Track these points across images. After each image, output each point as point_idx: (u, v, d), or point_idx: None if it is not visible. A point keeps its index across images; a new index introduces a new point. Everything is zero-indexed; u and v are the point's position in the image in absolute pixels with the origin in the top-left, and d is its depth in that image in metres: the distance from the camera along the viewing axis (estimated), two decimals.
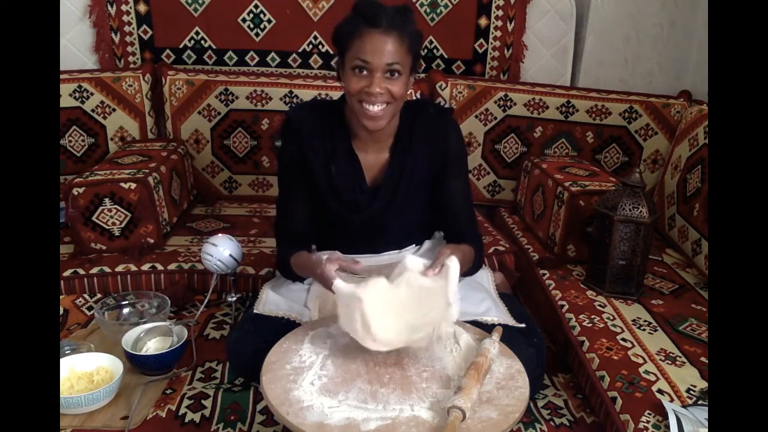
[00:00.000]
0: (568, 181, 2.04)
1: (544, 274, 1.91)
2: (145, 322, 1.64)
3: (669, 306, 1.71)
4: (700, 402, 1.30)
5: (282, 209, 1.55)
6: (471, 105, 2.44)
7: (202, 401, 1.47)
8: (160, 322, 1.65)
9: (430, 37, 2.51)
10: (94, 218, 1.92)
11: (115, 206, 1.92)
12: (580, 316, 1.65)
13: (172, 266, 1.93)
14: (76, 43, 2.45)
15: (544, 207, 2.13)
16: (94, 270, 1.90)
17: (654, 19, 2.51)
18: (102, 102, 2.36)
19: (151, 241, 1.99)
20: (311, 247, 1.62)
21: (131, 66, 2.49)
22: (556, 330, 1.71)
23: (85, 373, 1.46)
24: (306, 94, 2.37)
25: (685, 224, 2.04)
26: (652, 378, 1.38)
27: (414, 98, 2.32)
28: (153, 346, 1.60)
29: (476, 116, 2.45)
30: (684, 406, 1.27)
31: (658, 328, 1.60)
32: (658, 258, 2.02)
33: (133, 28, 2.46)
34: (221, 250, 1.68)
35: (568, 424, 1.45)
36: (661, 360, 1.45)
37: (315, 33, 2.50)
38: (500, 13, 2.50)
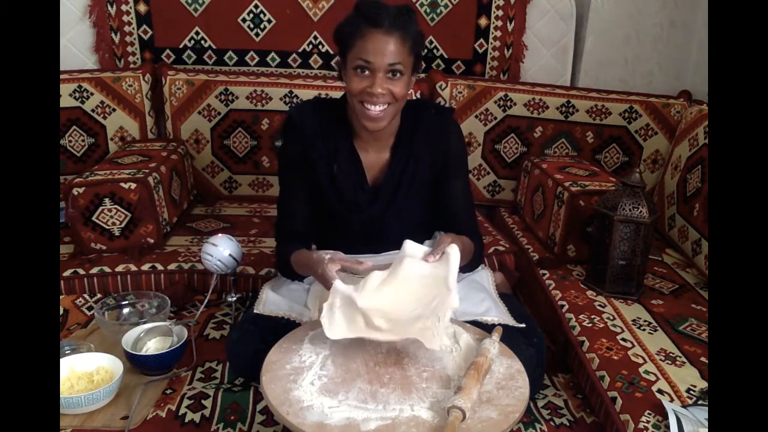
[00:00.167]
0: (568, 181, 2.04)
1: (544, 274, 1.91)
2: (145, 322, 1.64)
3: (669, 306, 1.71)
4: (700, 402, 1.30)
5: (283, 209, 1.55)
6: (471, 105, 2.44)
7: (202, 401, 1.47)
8: (160, 322, 1.65)
9: (430, 37, 2.51)
10: (94, 218, 1.92)
11: (115, 206, 1.92)
12: (580, 316, 1.65)
13: (172, 266, 1.93)
14: (76, 43, 2.45)
15: (544, 207, 2.13)
16: (94, 270, 1.90)
17: (654, 19, 2.52)
18: (102, 102, 2.36)
19: (151, 241, 1.99)
20: (311, 247, 1.62)
21: (131, 66, 2.49)
22: (556, 330, 1.71)
23: (85, 373, 1.46)
24: (306, 94, 2.37)
25: (685, 224, 2.04)
26: (652, 378, 1.38)
27: (414, 98, 2.32)
28: (153, 346, 1.60)
29: (476, 116, 2.45)
30: (684, 406, 1.27)
31: (658, 328, 1.60)
32: (658, 258, 2.02)
33: (133, 28, 2.46)
34: (221, 250, 1.68)
35: (568, 424, 1.45)
36: (661, 360, 1.45)
37: (315, 33, 2.50)
38: (500, 13, 2.50)
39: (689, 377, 1.38)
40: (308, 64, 2.54)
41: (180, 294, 1.88)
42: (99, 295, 1.91)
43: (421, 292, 1.20)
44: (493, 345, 1.21)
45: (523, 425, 1.41)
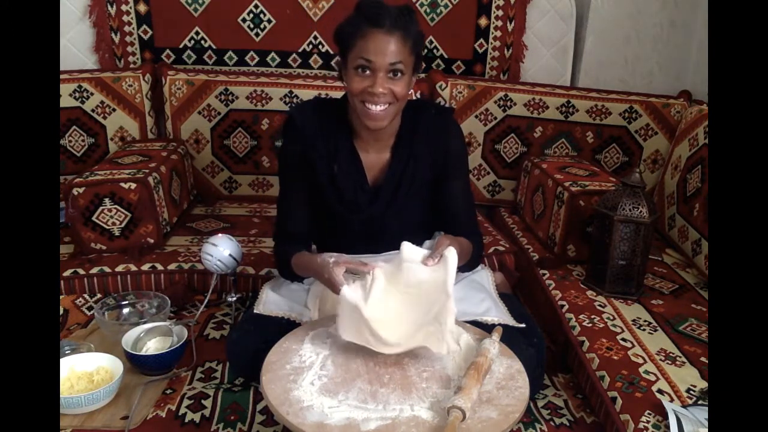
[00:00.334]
0: (568, 181, 2.04)
1: (544, 274, 1.91)
2: (145, 322, 1.64)
3: (669, 306, 1.71)
4: (700, 402, 1.30)
5: (282, 209, 1.55)
6: (471, 105, 2.44)
7: (202, 401, 1.47)
8: (160, 322, 1.65)
9: (430, 37, 2.51)
10: (94, 218, 1.92)
11: (115, 206, 1.92)
12: (580, 316, 1.65)
13: (172, 266, 1.93)
14: (76, 43, 2.45)
15: (544, 207, 2.13)
16: (94, 270, 1.90)
17: (654, 19, 2.51)
18: (102, 102, 2.36)
19: (151, 241, 1.99)
20: (311, 247, 1.62)
21: (131, 66, 2.49)
22: (556, 330, 1.71)
23: (85, 373, 1.46)
24: (306, 94, 2.37)
25: (685, 224, 2.04)
26: (652, 378, 1.38)
27: (415, 98, 2.32)
28: (153, 346, 1.60)
29: (476, 116, 2.45)
30: (684, 406, 1.27)
31: (658, 328, 1.60)
32: (658, 258, 2.02)
33: (133, 28, 2.46)
34: (221, 250, 1.68)
35: (568, 424, 1.45)
36: (661, 360, 1.45)
37: (315, 33, 2.50)
38: (500, 13, 2.50)
39: (689, 377, 1.38)
40: (308, 64, 2.54)
41: (180, 294, 1.88)
42: (99, 295, 1.91)
43: (421, 298, 1.21)
44: (493, 345, 1.21)
45: (523, 425, 1.41)
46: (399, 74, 1.32)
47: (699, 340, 1.54)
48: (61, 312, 1.83)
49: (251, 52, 2.52)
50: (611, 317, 1.65)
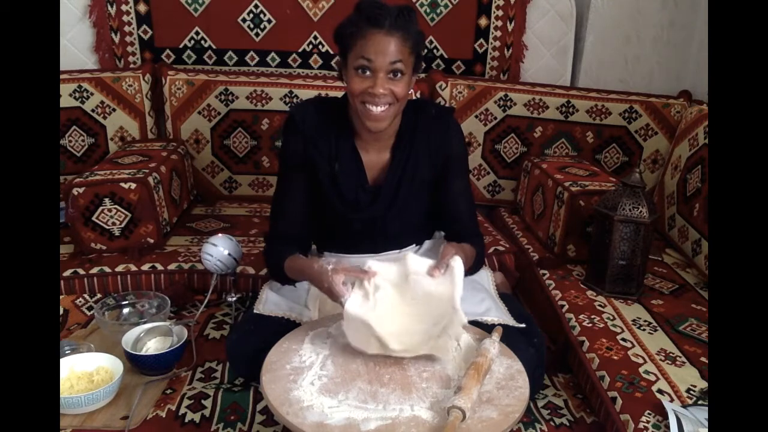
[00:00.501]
0: (568, 181, 2.04)
1: (544, 274, 1.91)
2: (145, 322, 1.64)
3: (669, 306, 1.71)
4: (700, 402, 1.30)
5: (277, 207, 1.52)
6: (471, 105, 2.44)
7: (202, 401, 1.47)
8: (160, 322, 1.65)
9: (430, 37, 2.51)
10: (94, 218, 1.92)
11: (115, 206, 1.92)
12: (580, 316, 1.65)
13: (172, 266, 1.93)
14: (76, 43, 2.45)
15: (544, 207, 2.13)
16: (94, 270, 1.90)
17: (654, 19, 2.51)
18: (102, 102, 2.36)
19: (151, 241, 1.99)
20: (310, 248, 1.62)
21: (131, 66, 2.49)
22: (556, 330, 1.71)
23: (85, 373, 1.46)
24: (306, 94, 2.37)
25: (685, 224, 2.04)
26: (652, 378, 1.38)
27: (415, 98, 2.31)
28: (153, 346, 1.59)
29: (476, 116, 2.45)
30: (684, 406, 1.27)
31: (658, 328, 1.60)
32: (658, 258, 2.02)
33: (133, 28, 2.46)
34: (221, 250, 1.68)
35: (568, 424, 1.45)
36: (661, 360, 1.45)
37: (315, 33, 2.50)
38: (500, 13, 2.50)
39: (689, 377, 1.38)
40: (308, 64, 2.54)
41: (180, 294, 1.88)
42: (99, 295, 1.91)
43: (429, 311, 1.20)
44: (493, 345, 1.21)
45: (523, 425, 1.41)
46: (399, 74, 1.32)
47: (699, 340, 1.54)
48: (61, 312, 1.83)
49: (251, 52, 2.52)
50: (611, 317, 1.65)
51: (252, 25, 2.48)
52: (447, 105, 2.40)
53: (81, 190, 1.90)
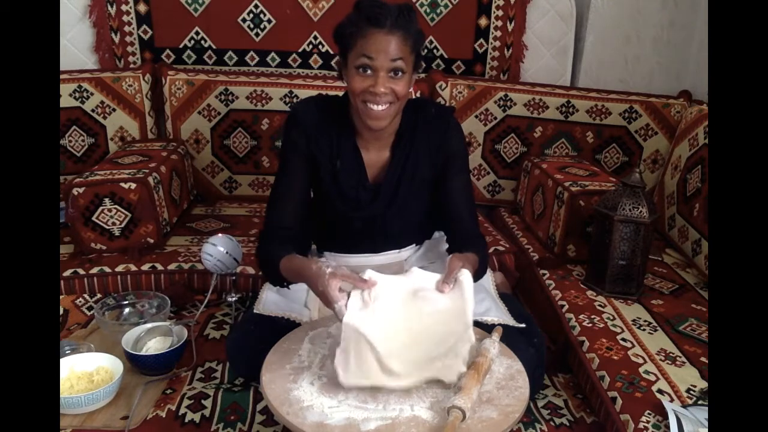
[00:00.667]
0: (568, 181, 2.04)
1: (544, 274, 1.91)
2: (145, 322, 1.64)
3: (669, 306, 1.71)
4: (700, 402, 1.30)
5: (274, 203, 1.48)
6: (471, 105, 2.44)
7: (202, 401, 1.47)
8: (160, 322, 1.65)
9: (430, 37, 2.51)
10: (94, 218, 1.92)
11: (115, 206, 1.92)
12: (580, 316, 1.65)
13: (172, 266, 1.93)
14: (76, 43, 2.45)
15: (544, 207, 2.13)
16: (94, 270, 1.90)
17: (654, 19, 2.51)
18: (102, 102, 2.36)
19: (151, 241, 1.99)
20: (307, 246, 1.62)
21: (131, 66, 2.49)
22: (556, 330, 1.71)
23: (85, 373, 1.46)
24: (306, 94, 2.36)
25: (685, 224, 2.04)
26: (652, 378, 1.38)
27: (415, 97, 2.31)
28: (153, 346, 1.59)
29: (476, 116, 2.45)
30: (684, 406, 1.27)
31: (658, 328, 1.60)
32: (658, 258, 2.02)
33: (133, 28, 2.46)
34: (221, 250, 1.69)
35: (568, 424, 1.45)
36: (661, 360, 1.45)
37: (315, 33, 2.50)
38: (500, 13, 2.50)
39: (689, 377, 1.38)
40: (308, 64, 2.54)
41: (180, 294, 1.88)
42: (99, 295, 1.91)
43: (436, 329, 1.13)
44: (493, 345, 1.21)
45: (523, 425, 1.41)
46: (400, 73, 1.32)
47: (699, 340, 1.54)
48: (61, 312, 1.83)
49: (251, 52, 2.52)
50: (611, 317, 1.65)
51: (252, 25, 2.48)
52: (447, 105, 2.40)
53: (81, 190, 1.90)
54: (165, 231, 2.07)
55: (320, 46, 2.51)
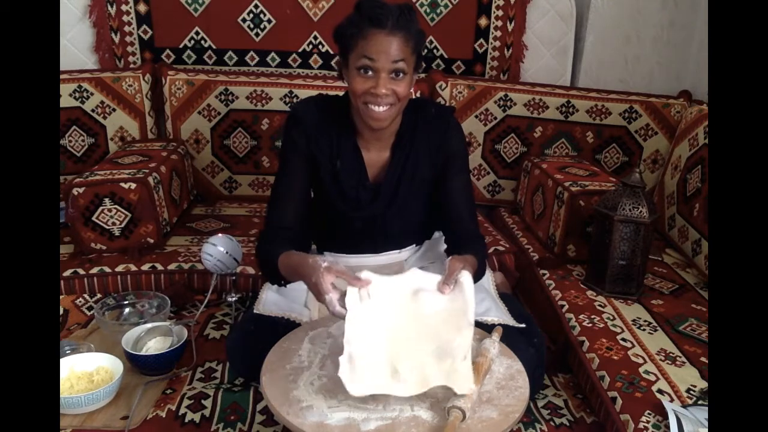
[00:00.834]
0: (568, 181, 2.04)
1: (544, 274, 1.91)
2: (145, 322, 1.64)
3: (669, 306, 1.71)
4: (700, 402, 1.30)
5: (275, 199, 1.48)
6: (471, 105, 2.44)
7: (202, 401, 1.47)
8: (160, 322, 1.65)
9: (430, 37, 2.51)
10: (94, 218, 1.92)
11: (115, 206, 1.92)
12: (580, 316, 1.65)
13: (172, 266, 1.93)
14: (76, 43, 2.45)
15: (544, 207, 2.13)
16: (94, 270, 1.90)
17: (654, 19, 2.51)
18: (102, 102, 2.36)
19: (151, 241, 1.99)
20: (307, 246, 1.62)
21: (131, 66, 2.49)
22: (556, 330, 1.71)
23: (85, 373, 1.46)
24: (306, 94, 2.36)
25: (685, 224, 2.04)
26: (652, 378, 1.38)
27: (415, 97, 2.31)
28: (153, 346, 1.59)
29: (476, 116, 2.45)
30: (684, 406, 1.27)
31: (658, 328, 1.60)
32: (658, 258, 2.02)
33: (133, 28, 2.46)
34: (221, 250, 1.69)
35: (568, 424, 1.45)
36: (661, 360, 1.45)
37: (315, 33, 2.50)
38: (500, 13, 2.50)
39: (689, 377, 1.38)
40: (308, 64, 2.54)
41: (180, 294, 1.88)
42: (99, 295, 1.91)
43: (439, 329, 1.12)
44: (493, 345, 1.21)
45: (523, 425, 1.41)
46: (401, 74, 1.32)
47: (699, 340, 1.54)
48: (61, 312, 1.83)
49: (251, 52, 2.52)
50: (611, 317, 1.65)
51: (252, 25, 2.48)
52: (447, 105, 2.40)
53: (81, 190, 1.90)
54: (165, 231, 2.07)
55: (320, 46, 2.52)
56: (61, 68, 2.25)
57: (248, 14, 2.47)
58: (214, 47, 2.51)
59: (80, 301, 1.89)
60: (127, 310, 1.79)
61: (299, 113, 1.46)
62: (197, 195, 2.46)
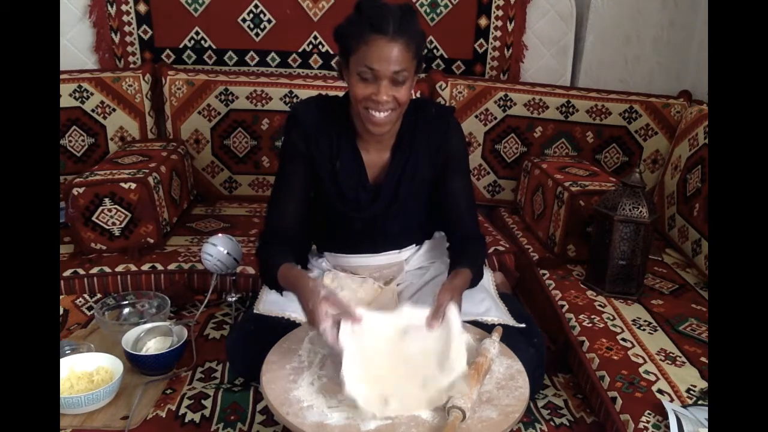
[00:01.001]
0: (568, 181, 2.04)
1: (544, 274, 1.91)
2: (145, 322, 1.64)
3: (669, 306, 1.71)
4: (700, 402, 1.30)
5: (275, 200, 1.49)
6: (471, 105, 2.44)
7: (202, 401, 1.47)
8: (160, 322, 1.65)
9: (430, 37, 2.51)
10: (94, 218, 1.92)
11: (115, 206, 1.92)
12: (580, 316, 1.65)
13: (172, 266, 1.93)
14: (76, 43, 2.45)
15: (544, 207, 2.13)
16: (94, 270, 1.90)
17: (654, 19, 2.51)
18: (102, 102, 2.36)
19: (151, 241, 1.99)
20: (307, 247, 1.62)
21: (131, 66, 2.49)
22: (556, 330, 1.71)
23: (85, 373, 1.46)
24: (306, 94, 2.36)
25: (685, 224, 2.04)
26: (652, 378, 1.38)
27: (415, 97, 2.31)
28: (153, 346, 1.59)
29: (476, 116, 2.45)
30: (684, 406, 1.27)
31: (658, 328, 1.60)
32: (658, 258, 2.02)
33: (133, 28, 2.46)
34: (221, 250, 1.69)
35: (568, 424, 1.45)
36: (661, 360, 1.45)
37: (315, 33, 2.50)
38: (500, 13, 2.50)
39: (689, 377, 1.38)
40: (308, 64, 2.54)
41: (180, 294, 1.88)
42: (99, 295, 1.91)
43: (425, 371, 1.12)
44: (493, 345, 1.21)
45: (523, 425, 1.41)
46: (402, 81, 1.31)
47: (699, 340, 1.54)
48: (61, 312, 1.83)
49: (251, 52, 2.52)
50: (611, 317, 1.65)
51: (252, 25, 2.48)
52: (447, 105, 2.39)
53: (81, 190, 1.90)
54: (165, 231, 2.07)
55: (320, 46, 2.52)
56: (61, 68, 2.25)
57: (248, 14, 2.47)
58: (214, 47, 2.51)
59: (80, 301, 1.89)
60: (127, 310, 1.79)
61: (299, 114, 1.46)
62: (197, 195, 2.46)
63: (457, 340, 1.13)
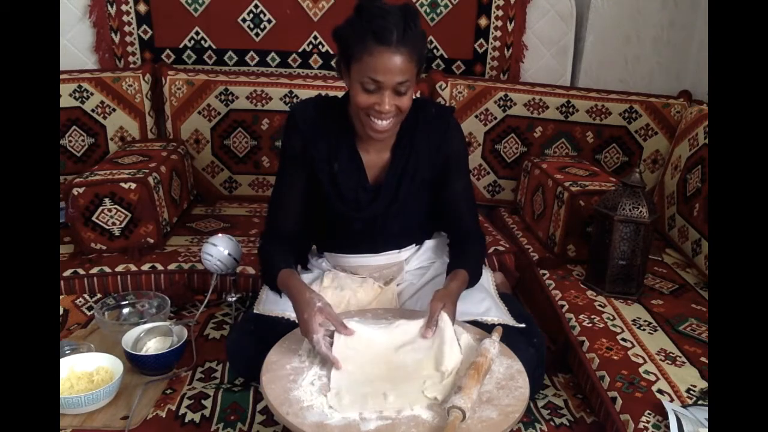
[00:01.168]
0: (568, 181, 2.04)
1: (544, 274, 1.91)
2: (145, 322, 1.64)
3: (669, 306, 1.71)
4: (700, 402, 1.30)
5: (276, 201, 1.50)
6: (471, 105, 2.44)
7: (202, 401, 1.47)
8: (160, 322, 1.65)
9: (430, 37, 2.51)
10: (94, 218, 1.92)
11: (115, 206, 1.92)
12: (580, 316, 1.65)
13: (172, 266, 1.93)
14: (76, 43, 2.45)
15: (544, 207, 2.13)
16: (94, 270, 1.90)
17: (654, 19, 2.51)
18: (102, 102, 2.36)
19: (151, 241, 1.99)
20: (307, 247, 1.61)
21: (131, 66, 2.49)
22: (556, 330, 1.71)
23: (85, 373, 1.46)
24: (306, 94, 2.36)
25: (685, 224, 2.04)
26: (652, 378, 1.38)
27: (415, 97, 2.31)
28: (153, 346, 1.59)
29: (476, 116, 2.45)
30: (684, 406, 1.27)
31: (658, 328, 1.60)
32: (658, 258, 2.02)
33: (133, 28, 2.46)
34: (221, 250, 1.68)
35: (568, 424, 1.45)
36: (661, 360, 1.45)
37: (315, 33, 2.50)
38: (500, 13, 2.50)
39: (689, 377, 1.38)
40: (308, 64, 2.54)
41: (180, 294, 1.88)
42: (99, 295, 1.91)
43: (419, 370, 1.16)
44: (493, 345, 1.21)
45: (523, 425, 1.41)
46: (405, 90, 1.31)
47: (699, 340, 1.54)
48: (61, 312, 1.83)
49: (251, 52, 2.52)
50: (611, 317, 1.65)
51: (252, 25, 2.48)
52: (447, 105, 2.39)
53: (81, 190, 1.90)
54: (165, 231, 2.07)
55: (320, 46, 2.51)
56: (61, 68, 2.25)
57: (248, 14, 2.47)
58: (214, 47, 2.51)
59: (80, 301, 1.89)
60: (126, 310, 1.79)
61: (297, 115, 1.46)
62: (197, 195, 2.46)
63: (450, 347, 1.17)
